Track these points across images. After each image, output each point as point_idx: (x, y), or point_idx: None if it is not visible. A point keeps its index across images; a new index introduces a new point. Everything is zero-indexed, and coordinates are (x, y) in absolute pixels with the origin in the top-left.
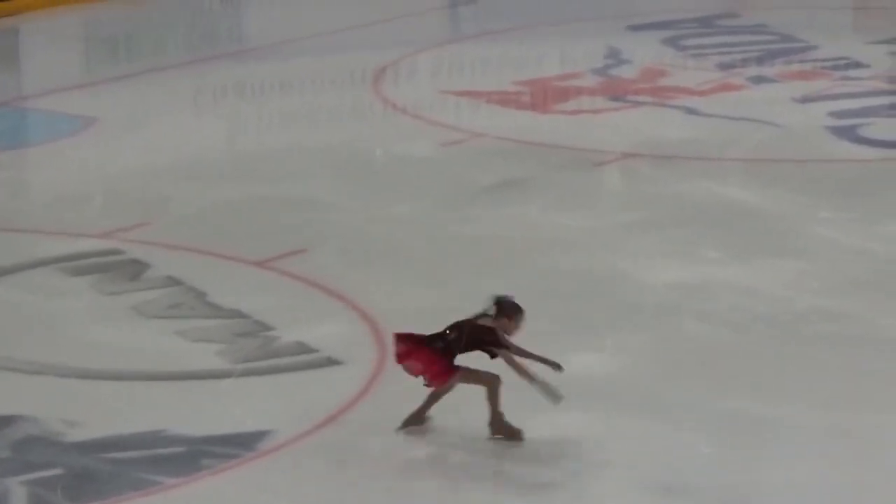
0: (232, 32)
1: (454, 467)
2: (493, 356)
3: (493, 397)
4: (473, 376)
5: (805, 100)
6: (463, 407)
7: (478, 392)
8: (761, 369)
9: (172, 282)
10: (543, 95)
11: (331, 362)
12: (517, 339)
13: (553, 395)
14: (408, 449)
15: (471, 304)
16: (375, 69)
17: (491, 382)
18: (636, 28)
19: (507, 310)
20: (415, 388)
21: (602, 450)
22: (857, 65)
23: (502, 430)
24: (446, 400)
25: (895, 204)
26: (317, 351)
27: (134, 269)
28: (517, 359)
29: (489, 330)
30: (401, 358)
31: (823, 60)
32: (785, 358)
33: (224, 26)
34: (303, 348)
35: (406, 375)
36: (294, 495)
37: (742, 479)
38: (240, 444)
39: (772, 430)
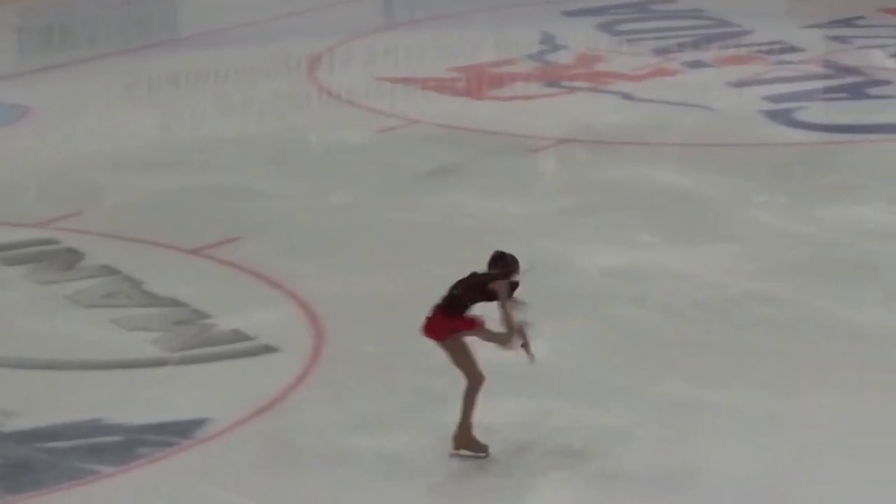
0: (166, 21)
1: (390, 454)
2: (492, 298)
3: (470, 397)
4: (485, 334)
5: (740, 84)
6: (400, 390)
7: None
8: (697, 354)
9: (108, 271)
10: (479, 82)
11: (268, 350)
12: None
13: (531, 355)
14: (344, 436)
15: (407, 290)
16: (310, 57)
17: (478, 378)
18: (571, 14)
19: (503, 263)
20: (353, 374)
21: (538, 435)
22: (792, 49)
23: (468, 445)
24: (386, 385)
25: (830, 187)
26: (253, 338)
27: (69, 259)
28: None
29: (489, 275)
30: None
31: (758, 45)
32: (720, 342)
33: (158, 15)
34: (239, 336)
35: (343, 363)
36: (231, 482)
37: (678, 464)
38: (177, 433)
39: (708, 414)
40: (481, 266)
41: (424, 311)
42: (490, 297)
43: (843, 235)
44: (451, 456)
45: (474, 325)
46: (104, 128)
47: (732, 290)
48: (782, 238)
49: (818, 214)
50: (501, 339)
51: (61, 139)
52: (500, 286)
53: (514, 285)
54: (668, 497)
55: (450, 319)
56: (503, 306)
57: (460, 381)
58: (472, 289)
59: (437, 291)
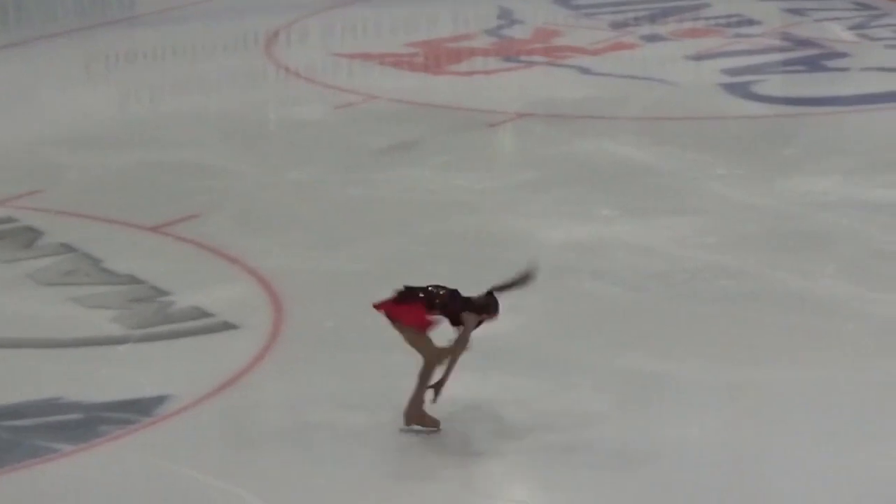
0: None
1: (350, 429)
2: (455, 322)
3: (425, 375)
4: (423, 341)
5: (698, 57)
6: (359, 366)
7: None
8: (657, 327)
9: (67, 249)
10: (436, 57)
11: (227, 326)
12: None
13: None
14: (306, 412)
15: (367, 266)
16: (267, 33)
17: (435, 358)
18: None
19: (489, 304)
20: (313, 350)
21: (500, 412)
22: (750, 22)
23: (420, 420)
24: (346, 361)
25: (789, 160)
26: (213, 315)
27: (28, 237)
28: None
29: (470, 303)
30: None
31: (716, 18)
32: (680, 315)
33: None
34: (199, 313)
35: (303, 339)
36: (193, 460)
37: (639, 438)
38: (138, 410)
39: (668, 387)
40: (442, 243)
41: (384, 286)
42: (455, 321)
43: (801, 208)
44: (402, 431)
45: (431, 326)
46: (61, 106)
47: (692, 263)
48: (741, 211)
49: (776, 187)
50: (432, 356)
51: (18, 117)
52: (470, 319)
53: (480, 322)
54: (629, 470)
55: (428, 314)
56: (462, 336)
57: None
58: (451, 305)
59: (396, 268)
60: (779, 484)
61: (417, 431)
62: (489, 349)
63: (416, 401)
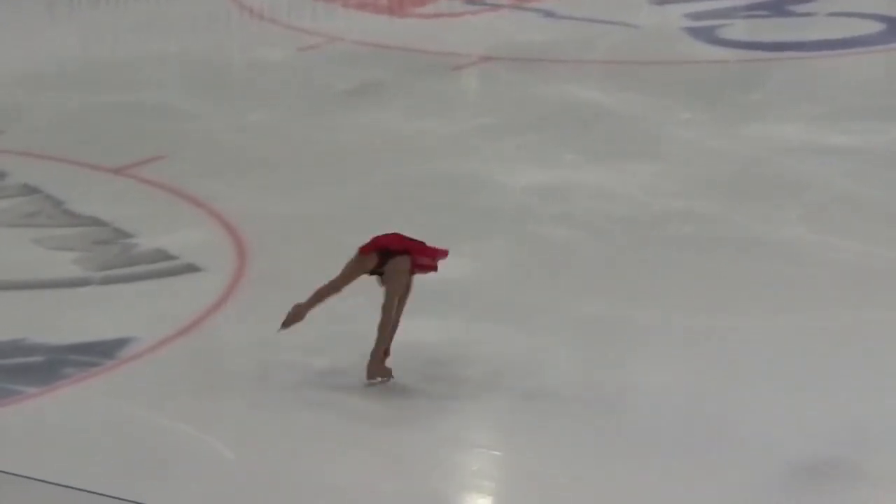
0: None
1: (315, 371)
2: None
3: (386, 325)
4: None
5: (662, 1)
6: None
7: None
8: (621, 273)
9: (29, 190)
10: None
11: (191, 269)
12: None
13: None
14: (269, 354)
15: (329, 210)
16: None
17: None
18: None
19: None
20: (275, 293)
21: (462, 357)
22: None
23: (381, 372)
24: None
25: (753, 105)
26: (176, 258)
27: None
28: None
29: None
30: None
31: None
32: (644, 261)
33: None
34: (162, 255)
35: (266, 282)
36: (156, 402)
37: (602, 384)
38: (101, 353)
39: (632, 333)
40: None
41: (347, 230)
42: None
43: (766, 153)
44: (367, 385)
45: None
46: (23, 47)
47: (655, 209)
48: (705, 156)
49: (741, 132)
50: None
51: None
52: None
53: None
54: (591, 417)
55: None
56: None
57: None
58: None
59: (359, 211)
60: (741, 429)
61: (377, 381)
62: (451, 295)
63: (380, 356)
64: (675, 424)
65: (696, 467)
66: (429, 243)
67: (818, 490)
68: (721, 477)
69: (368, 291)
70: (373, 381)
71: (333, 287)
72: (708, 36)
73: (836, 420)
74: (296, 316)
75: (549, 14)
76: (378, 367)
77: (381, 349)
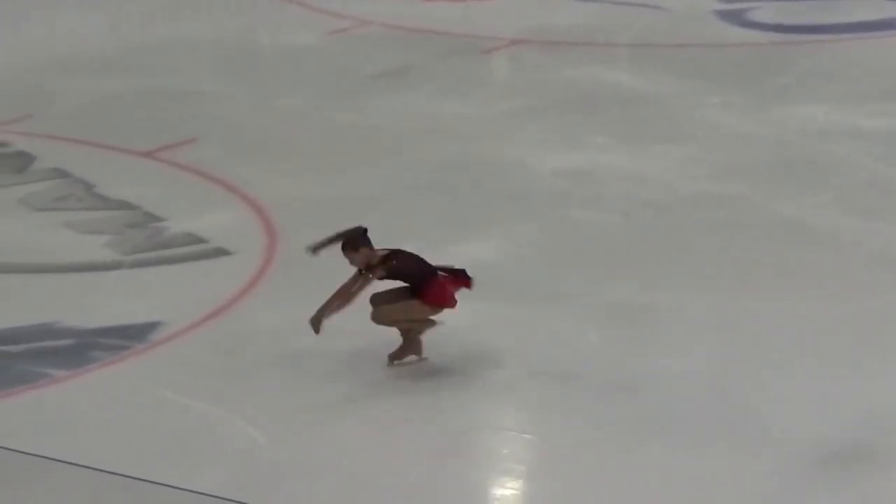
0: None
1: (344, 355)
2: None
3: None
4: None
5: None
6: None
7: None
8: (649, 256)
9: (59, 174)
10: None
11: (220, 253)
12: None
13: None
14: (298, 338)
15: (358, 193)
16: None
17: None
18: None
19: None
20: (304, 278)
21: (492, 340)
22: None
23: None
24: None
25: (783, 88)
26: (206, 241)
27: (20, 162)
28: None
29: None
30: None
31: None
32: (673, 245)
33: None
34: (192, 239)
35: (296, 266)
36: (185, 386)
37: (631, 367)
38: (130, 336)
39: (660, 317)
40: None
41: (375, 213)
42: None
43: (796, 136)
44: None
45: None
46: (54, 31)
47: (685, 192)
48: (735, 139)
49: (771, 115)
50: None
51: (10, 43)
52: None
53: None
54: (620, 400)
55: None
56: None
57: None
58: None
59: (389, 194)
60: (770, 413)
61: (407, 362)
62: (480, 278)
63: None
64: (704, 408)
65: (723, 451)
66: (458, 227)
67: (844, 475)
68: (748, 461)
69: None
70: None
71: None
72: (738, 19)
73: (864, 404)
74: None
75: None
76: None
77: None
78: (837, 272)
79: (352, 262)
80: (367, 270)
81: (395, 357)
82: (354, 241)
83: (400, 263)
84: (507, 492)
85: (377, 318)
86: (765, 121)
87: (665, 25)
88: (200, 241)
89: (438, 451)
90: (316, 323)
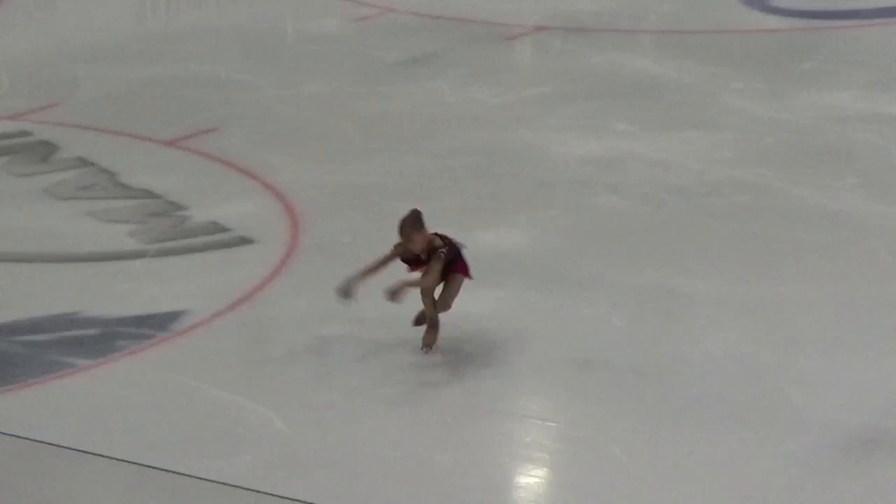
0: None
1: (369, 343)
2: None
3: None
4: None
5: None
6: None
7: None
8: (674, 242)
9: (83, 163)
10: None
11: (244, 241)
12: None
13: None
14: (322, 326)
15: (383, 180)
16: None
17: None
18: None
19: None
20: (329, 264)
21: (517, 326)
22: None
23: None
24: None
25: (806, 74)
26: (230, 230)
27: (44, 151)
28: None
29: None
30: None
31: None
32: (698, 231)
33: None
34: (216, 227)
35: (320, 254)
36: (209, 375)
37: (656, 354)
38: (154, 325)
39: (685, 303)
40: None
41: (400, 201)
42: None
43: (820, 122)
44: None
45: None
46: (77, 18)
47: (710, 178)
48: (759, 125)
49: (795, 101)
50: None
51: (33, 30)
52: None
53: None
54: (646, 387)
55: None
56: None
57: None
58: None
59: (413, 182)
60: (796, 399)
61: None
62: (506, 265)
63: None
64: (730, 394)
65: (750, 438)
66: (483, 213)
67: (868, 460)
68: (776, 448)
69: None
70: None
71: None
72: (762, 4)
73: (890, 390)
74: (347, 290)
75: None
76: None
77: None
78: (863, 257)
79: (412, 245)
80: (430, 252)
81: (432, 342)
82: (420, 221)
83: (448, 242)
84: (532, 480)
85: (446, 306)
86: (789, 106)
87: (689, 11)
88: (224, 229)
89: (463, 439)
90: (347, 290)
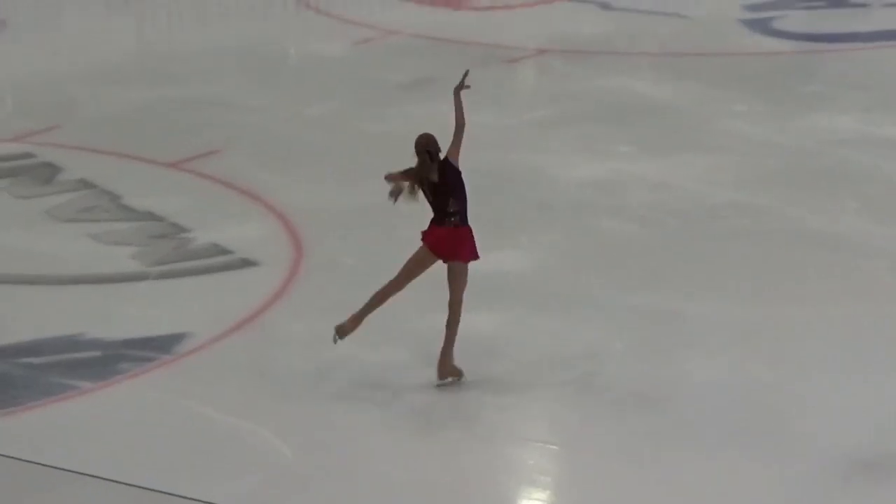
0: None
1: (371, 365)
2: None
3: (454, 323)
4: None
5: None
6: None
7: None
8: (675, 265)
9: (85, 185)
10: None
11: (246, 263)
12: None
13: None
14: (324, 350)
15: (384, 202)
16: None
17: (460, 306)
18: None
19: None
20: (331, 286)
21: (518, 349)
22: None
23: (452, 372)
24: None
25: (807, 96)
26: (232, 252)
27: (46, 173)
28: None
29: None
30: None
31: None
32: (697, 253)
33: None
34: (218, 250)
35: (322, 276)
36: (212, 397)
37: (657, 376)
38: (156, 348)
39: (686, 325)
40: None
41: (403, 223)
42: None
43: (820, 145)
44: (438, 386)
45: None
46: (80, 40)
47: (710, 200)
48: (760, 148)
49: (796, 124)
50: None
51: (36, 52)
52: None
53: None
54: (646, 410)
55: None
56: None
57: (437, 290)
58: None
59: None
60: (796, 420)
61: (433, 361)
62: (506, 286)
63: (449, 353)
64: (731, 416)
65: (752, 459)
66: (485, 235)
67: (868, 482)
68: (778, 469)
69: (419, 287)
70: (444, 381)
71: (395, 287)
72: (764, 27)
73: (890, 412)
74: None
75: (604, 6)
76: (451, 366)
77: (452, 347)
78: (863, 279)
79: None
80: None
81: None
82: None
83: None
84: (534, 503)
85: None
86: (790, 129)
87: (690, 34)
88: (226, 252)
89: (465, 462)
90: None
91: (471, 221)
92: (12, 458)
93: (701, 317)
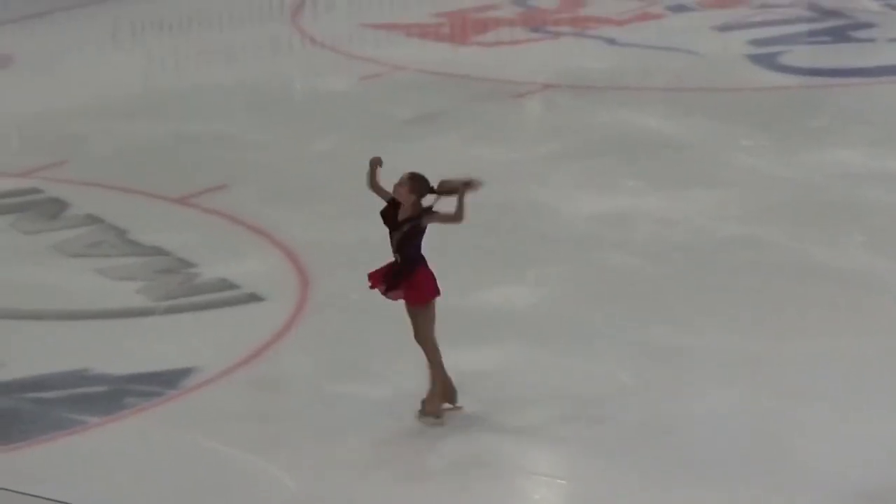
0: None
1: (377, 400)
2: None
3: (439, 366)
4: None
5: (724, 28)
6: (385, 338)
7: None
8: (681, 299)
9: (92, 220)
10: (463, 27)
11: (253, 298)
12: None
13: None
14: (330, 384)
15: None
16: (293, 3)
17: (436, 348)
18: None
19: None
20: (338, 322)
21: (524, 384)
22: None
23: (432, 411)
24: (372, 332)
25: (814, 131)
26: (239, 287)
27: (53, 208)
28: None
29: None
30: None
31: None
32: (704, 287)
33: None
34: (225, 285)
35: (329, 311)
36: (219, 432)
37: (663, 409)
38: (163, 382)
39: (692, 359)
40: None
41: None
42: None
43: (827, 179)
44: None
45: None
46: (87, 76)
47: (717, 235)
48: (766, 182)
49: (802, 158)
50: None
51: (44, 88)
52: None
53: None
54: (653, 443)
55: (432, 277)
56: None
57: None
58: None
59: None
60: (803, 454)
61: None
62: (513, 321)
63: (432, 392)
64: (737, 449)
65: (758, 492)
66: (491, 270)
67: None
68: (784, 501)
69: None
70: (424, 418)
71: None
72: (770, 62)
73: None
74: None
75: (611, 41)
76: (434, 405)
77: (435, 386)
78: (869, 313)
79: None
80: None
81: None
82: (425, 185)
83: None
84: None
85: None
86: (796, 164)
87: (697, 69)
88: (233, 286)
89: (472, 497)
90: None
91: (478, 255)
92: (19, 492)
93: (708, 350)
